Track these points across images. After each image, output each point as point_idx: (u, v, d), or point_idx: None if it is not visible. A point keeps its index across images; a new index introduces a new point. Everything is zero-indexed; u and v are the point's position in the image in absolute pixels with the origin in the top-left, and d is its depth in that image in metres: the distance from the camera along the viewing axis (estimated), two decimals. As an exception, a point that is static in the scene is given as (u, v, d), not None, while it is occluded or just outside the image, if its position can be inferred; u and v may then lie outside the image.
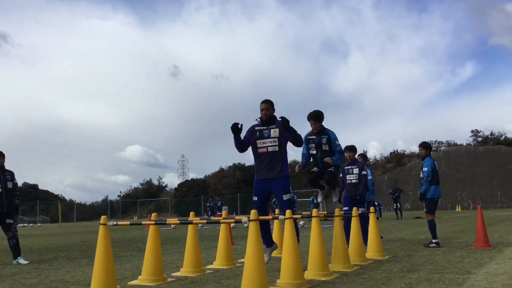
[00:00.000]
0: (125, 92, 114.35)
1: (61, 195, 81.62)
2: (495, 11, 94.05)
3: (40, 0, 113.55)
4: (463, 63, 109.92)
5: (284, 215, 4.69)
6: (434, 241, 8.39)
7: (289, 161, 6.10)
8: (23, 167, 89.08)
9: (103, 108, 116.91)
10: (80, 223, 47.88)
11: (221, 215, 18.72)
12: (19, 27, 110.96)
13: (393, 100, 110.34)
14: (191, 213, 6.37)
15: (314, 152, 7.11)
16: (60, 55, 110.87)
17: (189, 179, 78.82)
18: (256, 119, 5.94)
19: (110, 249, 4.71)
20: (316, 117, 7.02)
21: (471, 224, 15.35)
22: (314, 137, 7.07)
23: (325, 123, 7.01)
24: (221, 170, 72.43)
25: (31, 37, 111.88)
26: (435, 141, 61.97)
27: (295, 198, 28.56)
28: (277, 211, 7.99)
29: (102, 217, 4.87)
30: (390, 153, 65.71)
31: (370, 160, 67.53)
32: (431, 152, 9.27)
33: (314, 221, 5.30)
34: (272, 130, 5.78)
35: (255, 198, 5.91)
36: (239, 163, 71.11)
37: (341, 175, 9.39)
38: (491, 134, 59.67)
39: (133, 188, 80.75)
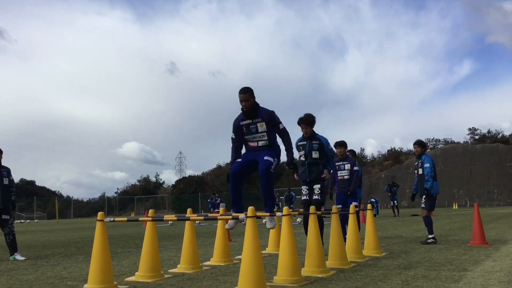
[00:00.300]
0: (122, 88, 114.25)
1: (58, 191, 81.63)
2: (492, 9, 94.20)
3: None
4: (461, 61, 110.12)
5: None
6: (430, 236, 8.42)
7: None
8: (20, 163, 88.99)
9: (100, 104, 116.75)
10: (77, 220, 47.83)
11: (218, 212, 18.72)
12: (15, 23, 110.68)
13: (391, 98, 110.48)
14: (189, 210, 6.37)
15: (303, 159, 7.05)
16: (56, 51, 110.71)
17: (187, 176, 78.77)
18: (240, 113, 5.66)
19: (107, 245, 4.70)
20: (307, 121, 6.87)
21: (468, 222, 15.39)
22: (305, 142, 6.94)
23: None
24: (219, 167, 72.35)
25: (27, 32, 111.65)
26: (432, 139, 62.07)
27: (293, 195, 28.60)
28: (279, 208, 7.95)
29: (99, 213, 4.86)
30: (388, 150, 65.76)
31: (368, 158, 67.65)
32: (428, 151, 9.28)
33: (311, 218, 5.30)
34: (258, 125, 5.50)
35: (239, 160, 5.59)
36: (236, 160, 70.88)
37: (331, 171, 9.32)
38: (488, 132, 59.79)
39: (130, 184, 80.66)
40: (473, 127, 61.19)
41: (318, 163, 7.09)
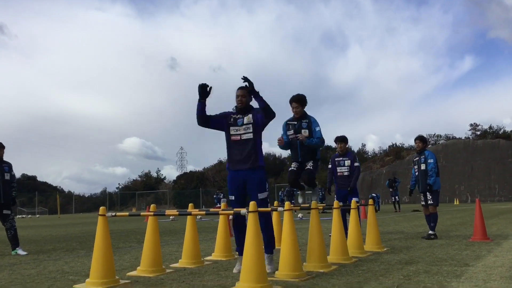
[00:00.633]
0: (122, 84, 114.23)
1: (60, 186, 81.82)
2: (494, 4, 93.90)
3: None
4: (462, 56, 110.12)
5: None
6: (433, 232, 8.45)
7: (264, 153, 5.63)
8: (22, 158, 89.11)
9: (100, 100, 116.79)
10: (78, 215, 47.92)
11: (219, 207, 18.75)
12: (16, 18, 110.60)
13: (392, 93, 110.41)
14: (190, 205, 6.36)
15: (293, 138, 6.51)
16: (57, 46, 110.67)
17: (188, 171, 78.93)
18: (233, 108, 5.52)
19: (109, 240, 4.70)
20: (298, 100, 6.49)
21: (469, 217, 15.40)
22: (295, 122, 6.56)
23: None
24: (220, 162, 72.40)
25: (28, 28, 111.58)
26: (434, 135, 62.05)
27: (294, 190, 28.61)
28: (275, 203, 7.97)
29: (101, 207, 4.86)
30: (389, 146, 65.76)
31: (369, 153, 67.63)
32: (429, 146, 9.27)
33: (312, 213, 5.30)
34: (245, 118, 5.36)
35: (232, 198, 5.43)
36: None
37: (330, 166, 9.19)
38: (490, 127, 59.74)
39: (131, 180, 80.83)
40: (474, 123, 61.19)
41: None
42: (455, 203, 42.63)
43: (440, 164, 42.13)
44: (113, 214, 5.07)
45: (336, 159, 8.94)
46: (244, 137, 5.33)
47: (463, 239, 8.27)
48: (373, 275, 4.76)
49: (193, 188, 65.32)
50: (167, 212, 5.34)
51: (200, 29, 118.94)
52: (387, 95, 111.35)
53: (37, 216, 48.15)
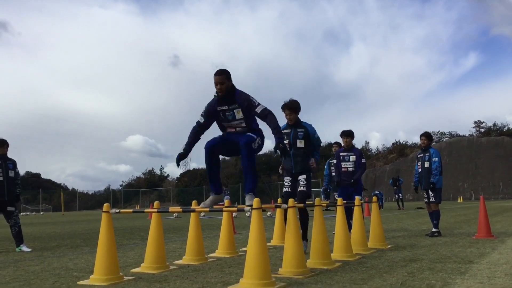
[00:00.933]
0: (125, 81, 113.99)
1: (64, 184, 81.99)
2: (497, 1, 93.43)
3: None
4: (466, 53, 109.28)
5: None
6: (437, 229, 8.43)
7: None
8: (26, 156, 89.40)
9: (103, 97, 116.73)
10: (82, 212, 48.09)
11: (223, 205, 18.75)
12: (19, 16, 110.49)
13: (395, 91, 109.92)
14: (193, 202, 6.36)
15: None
16: (60, 44, 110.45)
17: (191, 169, 78.92)
18: (214, 95, 5.07)
19: (113, 236, 4.71)
20: (291, 107, 6.33)
21: (473, 215, 15.36)
22: (289, 130, 6.41)
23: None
24: (223, 160, 72.55)
25: (31, 25, 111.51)
26: (438, 132, 61.96)
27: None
28: (279, 200, 7.93)
29: (105, 204, 4.87)
30: (392, 143, 65.69)
31: (372, 151, 67.51)
32: (433, 144, 9.23)
33: (316, 210, 5.29)
34: (235, 111, 4.96)
35: (216, 137, 5.12)
36: (241, 153, 71.01)
37: (334, 160, 9.10)
38: (494, 125, 59.63)
39: (135, 177, 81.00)
40: (478, 120, 61.12)
41: (304, 153, 6.48)
42: (459, 200, 42.53)
43: (444, 162, 42.05)
44: (117, 211, 5.08)
45: (341, 154, 8.76)
46: (239, 129, 5.08)
47: (467, 236, 8.25)
48: (377, 272, 4.75)
49: (196, 186, 65.38)
50: (171, 209, 5.35)
51: (202, 26, 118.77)
52: (391, 92, 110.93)
53: (41, 213, 48.29)
